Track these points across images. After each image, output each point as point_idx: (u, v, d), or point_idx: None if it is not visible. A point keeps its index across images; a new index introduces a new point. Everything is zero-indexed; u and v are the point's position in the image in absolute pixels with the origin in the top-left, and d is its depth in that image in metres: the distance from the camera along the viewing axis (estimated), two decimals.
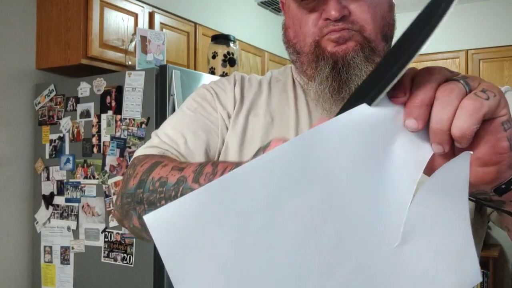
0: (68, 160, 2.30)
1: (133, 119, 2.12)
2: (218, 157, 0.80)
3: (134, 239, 2.08)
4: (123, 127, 2.14)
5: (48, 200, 2.35)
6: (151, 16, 2.78)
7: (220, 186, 0.36)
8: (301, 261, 0.37)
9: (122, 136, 2.14)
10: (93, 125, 2.23)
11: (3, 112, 2.34)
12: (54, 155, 2.35)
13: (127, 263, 2.08)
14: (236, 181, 0.36)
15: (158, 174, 0.63)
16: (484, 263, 3.61)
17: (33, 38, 2.50)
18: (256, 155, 0.47)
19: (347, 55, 0.72)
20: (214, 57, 2.59)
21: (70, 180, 2.28)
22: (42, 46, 2.48)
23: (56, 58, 2.44)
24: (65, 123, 2.32)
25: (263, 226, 0.36)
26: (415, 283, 0.41)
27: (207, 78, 2.32)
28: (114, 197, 2.14)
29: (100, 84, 2.22)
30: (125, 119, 2.14)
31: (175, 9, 3.00)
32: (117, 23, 2.53)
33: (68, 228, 2.26)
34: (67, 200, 2.28)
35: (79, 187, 2.25)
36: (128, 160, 2.12)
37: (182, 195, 0.55)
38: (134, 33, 2.42)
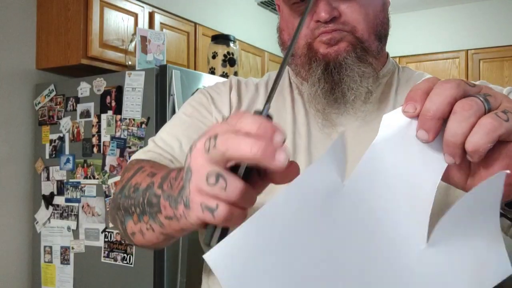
0: (68, 160, 2.30)
1: (133, 119, 2.12)
2: None
3: None
4: (123, 127, 2.14)
5: (48, 200, 2.35)
6: (151, 16, 2.78)
7: (261, 216, 0.39)
8: (337, 265, 0.40)
9: (122, 136, 2.14)
10: (93, 125, 2.23)
11: (3, 112, 2.34)
12: (54, 155, 2.35)
13: (127, 263, 2.08)
14: (274, 210, 0.39)
15: (135, 180, 0.63)
16: None
17: (33, 38, 2.50)
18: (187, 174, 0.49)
19: (338, 56, 0.73)
20: (214, 57, 2.59)
21: (70, 180, 2.28)
22: (42, 46, 2.48)
23: (56, 58, 2.44)
24: (65, 123, 2.32)
25: (302, 244, 0.40)
26: (433, 285, 0.42)
27: (207, 78, 2.32)
28: None
29: (100, 84, 2.22)
30: (125, 119, 2.14)
31: (175, 9, 3.00)
32: (117, 23, 2.53)
33: (68, 228, 2.26)
34: (67, 200, 2.28)
35: (79, 187, 2.25)
36: (128, 160, 2.12)
37: (148, 201, 0.56)
38: (134, 33, 2.42)
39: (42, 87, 2.42)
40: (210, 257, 0.38)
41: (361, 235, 0.41)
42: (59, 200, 2.31)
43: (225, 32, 3.23)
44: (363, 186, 0.41)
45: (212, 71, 2.58)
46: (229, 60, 2.58)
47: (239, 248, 0.38)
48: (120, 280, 2.10)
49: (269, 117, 0.40)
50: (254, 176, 0.42)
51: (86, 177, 2.23)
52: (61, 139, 2.33)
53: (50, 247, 2.31)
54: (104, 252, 2.15)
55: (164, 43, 2.37)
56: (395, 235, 0.41)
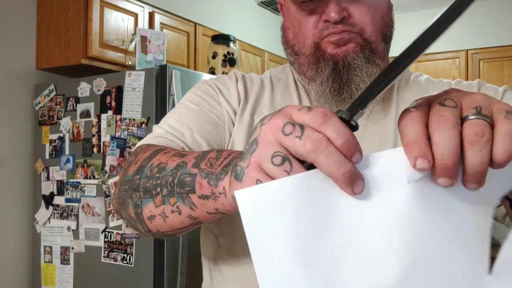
0: (68, 160, 2.30)
1: (133, 119, 2.12)
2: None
3: (134, 239, 2.08)
4: (123, 127, 2.14)
5: (48, 200, 2.35)
6: (151, 16, 2.78)
7: (309, 176, 0.38)
8: (373, 265, 0.39)
9: (122, 136, 2.14)
10: (93, 125, 2.23)
11: (3, 112, 2.34)
12: (54, 155, 2.35)
13: (127, 263, 2.08)
14: (322, 177, 0.38)
15: (158, 160, 0.60)
16: None
17: (33, 38, 2.50)
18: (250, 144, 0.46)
19: (347, 56, 0.73)
20: (214, 57, 2.59)
21: (70, 180, 2.28)
22: (42, 46, 2.48)
23: (56, 58, 2.44)
24: (65, 123, 2.32)
25: (339, 225, 0.38)
26: None
27: (207, 78, 2.32)
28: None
29: (100, 84, 2.22)
30: (125, 119, 2.14)
31: (175, 9, 3.00)
32: (117, 23, 2.53)
33: (68, 228, 2.26)
34: (67, 200, 2.28)
35: (79, 187, 2.25)
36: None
37: (179, 180, 0.54)
38: (134, 33, 2.42)
39: (42, 87, 2.42)
40: (240, 194, 0.38)
41: (412, 242, 0.39)
42: (59, 200, 2.31)
43: (225, 32, 3.23)
44: (425, 194, 0.39)
45: (212, 71, 2.58)
46: (229, 60, 2.58)
47: (273, 199, 0.37)
48: (120, 280, 2.10)
49: (355, 125, 0.39)
50: None
51: (86, 177, 2.23)
52: (61, 139, 2.33)
53: (50, 247, 2.31)
54: (104, 252, 2.15)
55: (164, 43, 2.37)
56: (454, 262, 0.40)
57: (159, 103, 2.09)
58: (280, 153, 0.38)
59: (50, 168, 2.35)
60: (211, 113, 0.78)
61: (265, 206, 0.37)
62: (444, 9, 0.38)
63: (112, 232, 2.13)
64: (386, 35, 0.77)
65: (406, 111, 0.40)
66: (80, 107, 2.28)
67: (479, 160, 0.38)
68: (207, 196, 0.51)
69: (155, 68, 2.13)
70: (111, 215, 2.14)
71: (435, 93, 0.42)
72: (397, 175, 0.38)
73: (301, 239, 0.38)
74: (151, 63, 2.29)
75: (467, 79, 4.18)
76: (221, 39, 2.65)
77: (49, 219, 2.33)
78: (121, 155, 2.14)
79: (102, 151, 2.20)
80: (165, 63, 2.34)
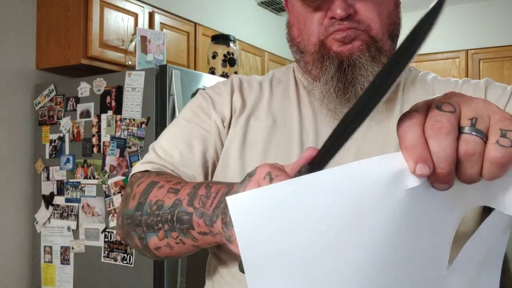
0: (68, 160, 2.30)
1: (133, 119, 2.12)
2: (216, 164, 0.79)
3: None
4: (123, 127, 2.14)
5: (48, 200, 2.35)
6: (151, 16, 2.78)
7: (303, 183, 0.37)
8: (366, 273, 0.38)
9: (122, 136, 2.14)
10: (93, 125, 2.23)
11: (3, 112, 2.34)
12: (54, 155, 2.35)
13: (127, 263, 2.08)
14: (320, 183, 0.37)
15: (155, 197, 0.64)
16: None
17: (33, 38, 2.50)
18: (243, 182, 0.48)
19: (352, 55, 0.71)
20: (214, 57, 2.59)
21: (70, 180, 2.28)
22: (42, 46, 2.48)
23: (56, 58, 2.44)
24: (65, 123, 2.32)
25: (339, 232, 0.37)
26: None
27: (207, 78, 2.32)
28: (114, 197, 2.14)
29: (100, 84, 2.22)
30: (125, 119, 2.14)
31: (175, 9, 3.00)
32: (117, 23, 2.53)
33: (68, 228, 2.26)
34: (67, 200, 2.28)
35: (79, 187, 2.25)
36: (128, 160, 2.12)
37: (178, 218, 0.59)
38: (134, 33, 2.42)
39: (42, 87, 2.42)
40: (232, 200, 0.37)
41: (394, 249, 0.39)
42: (59, 200, 2.31)
43: (225, 32, 3.23)
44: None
45: (212, 71, 2.58)
46: (229, 60, 2.58)
47: (267, 205, 0.37)
48: (120, 280, 2.10)
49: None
50: None
51: (86, 177, 2.23)
52: (61, 139, 2.33)
53: (50, 247, 2.31)
54: (104, 252, 2.15)
55: (164, 43, 2.37)
56: (418, 257, 0.41)
57: (159, 103, 2.09)
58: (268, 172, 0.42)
59: (50, 168, 2.35)
60: (200, 128, 0.79)
61: (259, 213, 0.37)
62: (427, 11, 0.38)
63: (112, 232, 2.13)
64: (393, 33, 0.76)
65: (405, 114, 0.39)
66: (80, 107, 2.28)
67: (468, 175, 0.38)
68: (206, 233, 0.55)
69: (155, 68, 2.13)
70: (111, 215, 2.14)
71: (437, 95, 0.41)
72: (394, 181, 0.37)
73: (296, 249, 0.37)
74: (151, 63, 2.29)
75: None
76: (221, 39, 2.65)
77: (49, 219, 2.33)
78: (121, 155, 2.14)
79: (102, 151, 2.20)
80: (165, 63, 2.34)
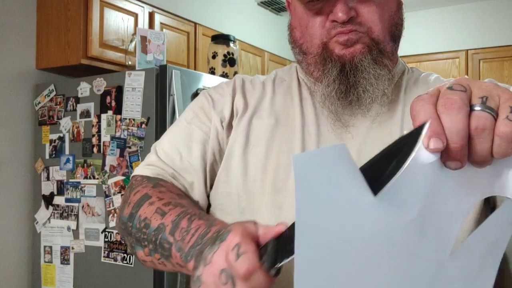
0: (68, 160, 2.30)
1: (133, 119, 2.12)
2: (215, 166, 0.80)
3: None
4: (123, 127, 2.14)
5: (48, 200, 2.35)
6: (151, 16, 2.78)
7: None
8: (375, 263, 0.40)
9: (122, 136, 2.14)
10: (93, 125, 2.23)
11: (3, 112, 2.34)
12: (54, 155, 2.35)
13: (127, 263, 2.08)
14: None
15: (144, 213, 0.68)
16: None
17: (33, 38, 2.50)
18: (213, 245, 0.51)
19: (354, 58, 0.72)
20: (214, 57, 2.59)
21: (70, 180, 2.28)
22: (42, 46, 2.48)
23: (56, 58, 2.44)
24: (65, 123, 2.32)
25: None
26: None
27: (207, 78, 2.32)
28: (114, 197, 2.14)
29: (100, 84, 2.22)
30: (125, 119, 2.14)
31: (175, 9, 3.00)
32: (117, 23, 2.53)
33: (68, 228, 2.26)
34: (67, 200, 2.28)
35: (79, 187, 2.25)
36: (128, 160, 2.12)
37: (160, 243, 0.62)
38: (134, 33, 2.42)
39: (42, 87, 2.42)
40: (298, 158, 0.38)
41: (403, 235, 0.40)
42: (59, 200, 2.31)
43: (225, 32, 3.23)
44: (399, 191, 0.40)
45: (212, 71, 2.58)
46: (229, 60, 2.58)
47: (328, 163, 0.38)
48: (120, 280, 2.10)
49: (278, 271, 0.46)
50: None
51: (86, 177, 2.23)
52: (61, 139, 2.33)
53: (50, 247, 2.31)
54: (104, 252, 2.15)
55: (164, 43, 2.37)
56: (424, 240, 0.41)
57: (159, 103, 2.09)
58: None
59: (50, 168, 2.35)
60: (200, 130, 0.80)
61: (319, 172, 0.38)
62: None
63: (112, 232, 2.13)
64: (395, 34, 0.76)
65: (417, 97, 0.41)
66: (80, 107, 2.28)
67: (479, 153, 0.39)
68: (182, 266, 0.58)
69: (155, 68, 2.13)
70: (111, 215, 2.14)
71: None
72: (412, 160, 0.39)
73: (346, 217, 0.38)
74: (151, 63, 2.29)
75: None
76: (221, 39, 2.65)
77: (49, 219, 2.33)
78: (121, 155, 2.14)
79: (102, 151, 2.20)
80: (165, 63, 2.34)
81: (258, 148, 0.76)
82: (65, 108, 2.33)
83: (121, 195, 2.13)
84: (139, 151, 2.09)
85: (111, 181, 2.15)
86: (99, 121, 2.21)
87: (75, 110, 2.30)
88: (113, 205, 2.14)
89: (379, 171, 0.41)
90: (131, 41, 2.43)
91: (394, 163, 0.40)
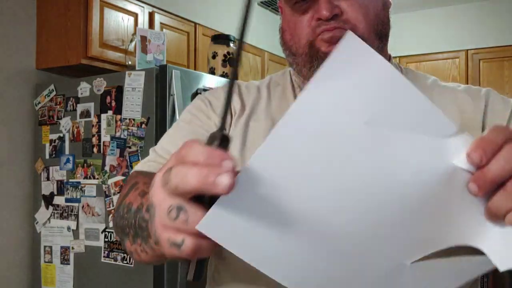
0: (68, 160, 2.30)
1: (133, 119, 2.12)
2: None
3: None
4: (123, 127, 2.14)
5: (48, 200, 2.35)
6: (151, 16, 2.78)
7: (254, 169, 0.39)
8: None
9: (122, 136, 2.14)
10: (93, 125, 2.23)
11: (3, 112, 2.34)
12: (54, 155, 2.35)
13: (127, 263, 2.08)
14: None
15: (129, 199, 0.63)
16: None
17: (33, 38, 2.50)
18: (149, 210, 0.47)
19: None
20: (214, 57, 2.59)
21: (70, 180, 2.28)
22: (42, 46, 2.48)
23: (56, 58, 2.44)
24: (65, 123, 2.32)
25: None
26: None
27: (207, 78, 2.32)
28: (114, 197, 2.14)
29: (100, 84, 2.22)
30: (125, 119, 2.14)
31: (175, 9, 3.00)
32: (117, 23, 2.53)
33: (68, 228, 2.26)
34: (67, 200, 2.28)
35: (79, 187, 2.25)
36: (128, 160, 2.12)
37: (139, 224, 0.56)
38: (134, 33, 2.42)
39: (42, 87, 2.42)
40: (202, 226, 0.38)
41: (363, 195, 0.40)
42: (59, 200, 2.31)
43: (225, 32, 3.23)
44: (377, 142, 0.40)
45: (212, 71, 2.58)
46: (229, 60, 2.58)
47: (232, 210, 0.38)
48: (120, 280, 2.10)
49: (226, 138, 0.40)
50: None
51: (86, 177, 2.23)
52: (61, 139, 2.33)
53: (50, 247, 2.31)
54: (104, 252, 2.15)
55: (164, 43, 2.37)
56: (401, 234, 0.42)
57: (159, 103, 2.09)
58: (172, 205, 0.39)
59: (50, 168, 2.35)
60: (201, 129, 0.80)
61: (229, 218, 0.38)
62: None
63: (112, 232, 2.13)
64: (381, 32, 0.76)
65: (502, 126, 0.43)
66: (80, 107, 2.28)
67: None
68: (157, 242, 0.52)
69: (155, 68, 2.13)
70: (111, 215, 2.14)
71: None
72: (445, 153, 0.40)
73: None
74: (151, 63, 2.29)
75: (467, 79, 4.18)
76: (221, 39, 2.65)
77: (49, 219, 2.33)
78: (121, 155, 2.14)
79: (102, 151, 2.20)
80: (165, 63, 2.34)
81: (255, 150, 0.76)
82: (65, 108, 2.33)
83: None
84: (139, 151, 2.09)
85: (111, 181, 2.15)
86: (99, 121, 2.21)
87: (75, 110, 2.30)
88: (113, 205, 2.14)
89: None
90: (131, 41, 2.43)
91: None
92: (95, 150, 2.22)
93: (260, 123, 0.79)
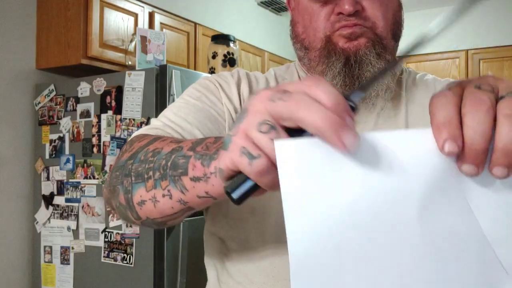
0: (68, 160, 2.30)
1: (133, 119, 2.12)
2: None
3: (134, 239, 2.08)
4: (123, 127, 2.14)
5: (48, 200, 2.35)
6: (151, 16, 2.78)
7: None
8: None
9: (122, 136, 2.14)
10: (93, 125, 2.23)
11: (3, 112, 2.34)
12: (54, 155, 2.35)
13: (127, 263, 2.08)
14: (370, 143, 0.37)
15: (154, 146, 0.59)
16: None
17: (33, 38, 2.50)
18: (217, 152, 0.45)
19: (359, 51, 0.72)
20: (214, 57, 2.59)
21: (70, 180, 2.28)
22: (42, 46, 2.48)
23: (56, 58, 2.44)
24: (65, 123, 2.32)
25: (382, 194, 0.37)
26: None
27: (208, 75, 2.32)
28: None
29: (100, 84, 2.22)
30: (125, 119, 2.14)
31: (175, 9, 3.00)
32: (117, 23, 2.53)
33: (68, 228, 2.26)
34: (67, 200, 2.28)
35: (79, 187, 2.25)
36: None
37: (173, 162, 0.53)
38: (134, 33, 2.42)
39: (42, 87, 2.42)
40: (280, 143, 0.36)
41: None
42: (59, 200, 2.31)
43: (225, 32, 3.23)
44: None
45: (212, 71, 2.58)
46: (229, 60, 2.58)
47: (314, 159, 0.36)
48: (120, 280, 2.10)
49: (354, 106, 0.38)
50: None
51: (86, 177, 2.23)
52: (61, 139, 2.33)
53: (50, 247, 2.31)
54: (104, 252, 2.15)
55: (164, 43, 2.37)
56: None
57: (159, 103, 2.09)
58: (268, 121, 0.37)
59: (50, 168, 2.35)
60: (212, 109, 0.76)
61: (303, 161, 0.36)
62: (446, 12, 0.38)
63: (112, 232, 2.13)
64: (396, 33, 0.76)
65: (439, 93, 0.38)
66: (80, 107, 2.28)
67: (507, 140, 0.35)
68: (199, 178, 0.49)
69: (155, 68, 2.13)
70: (111, 215, 2.14)
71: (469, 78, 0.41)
72: (420, 157, 0.37)
73: (335, 205, 0.37)
74: (151, 63, 2.29)
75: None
76: (221, 39, 2.65)
77: (49, 219, 2.33)
78: None
79: (102, 151, 2.20)
80: (165, 63, 2.34)
81: None
82: (65, 108, 2.33)
83: None
84: None
85: None
86: (99, 121, 2.21)
87: (75, 110, 2.30)
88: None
89: None
90: (131, 41, 2.43)
91: None
92: (95, 150, 2.22)
93: None
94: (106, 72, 2.40)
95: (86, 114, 2.26)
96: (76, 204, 2.25)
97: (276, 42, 4.07)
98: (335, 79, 0.73)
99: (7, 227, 2.34)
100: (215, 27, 3.34)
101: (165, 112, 0.78)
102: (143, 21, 2.71)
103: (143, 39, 2.30)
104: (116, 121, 2.16)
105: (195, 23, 3.16)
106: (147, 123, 2.08)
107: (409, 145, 0.37)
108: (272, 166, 0.38)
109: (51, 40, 2.45)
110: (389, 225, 0.37)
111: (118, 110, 2.16)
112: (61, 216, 2.29)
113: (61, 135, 2.33)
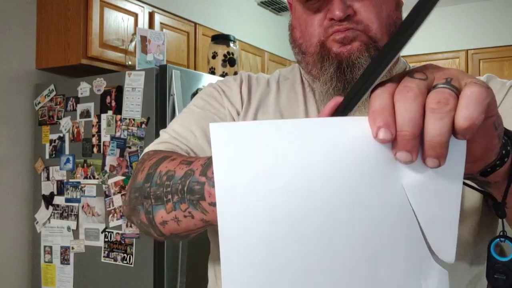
0: (68, 160, 2.30)
1: (133, 119, 2.12)
2: None
3: (134, 239, 2.08)
4: (123, 127, 2.14)
5: (48, 200, 2.35)
6: (151, 16, 2.78)
7: (288, 126, 0.38)
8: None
9: (122, 136, 2.14)
10: (93, 125, 2.23)
11: (3, 112, 2.34)
12: (54, 155, 2.35)
13: (127, 263, 2.08)
14: (305, 128, 0.38)
15: (166, 168, 0.61)
16: None
17: (33, 38, 2.50)
18: None
19: (351, 55, 0.72)
20: (214, 57, 2.59)
21: (70, 180, 2.28)
22: (42, 46, 2.48)
23: (56, 58, 2.44)
24: (65, 123, 2.32)
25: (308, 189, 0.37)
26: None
27: (207, 78, 2.32)
28: (114, 197, 2.14)
29: (100, 84, 2.22)
30: (125, 119, 2.14)
31: (175, 9, 3.00)
32: (117, 23, 2.53)
33: (68, 228, 2.26)
34: (67, 200, 2.28)
35: (79, 187, 2.25)
36: (128, 160, 2.12)
37: (188, 188, 0.56)
38: (134, 33, 2.42)
39: (42, 87, 2.42)
40: (215, 127, 0.37)
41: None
42: (59, 200, 2.31)
43: (225, 32, 3.23)
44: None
45: (212, 71, 2.58)
46: (229, 60, 2.58)
47: (249, 140, 0.37)
48: (120, 280, 2.10)
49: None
50: None
51: (86, 177, 2.23)
52: (61, 139, 2.33)
53: (50, 247, 2.31)
54: (104, 252, 2.15)
55: (164, 43, 2.37)
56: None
57: (159, 103, 2.09)
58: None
59: (50, 168, 2.35)
60: (215, 116, 0.79)
61: (239, 145, 0.37)
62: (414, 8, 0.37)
63: (112, 232, 2.13)
64: None
65: (379, 84, 0.39)
66: (80, 107, 2.28)
67: (438, 130, 0.36)
68: (215, 204, 0.51)
69: (155, 68, 2.13)
70: (111, 215, 2.14)
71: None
72: (357, 144, 0.37)
73: (269, 192, 0.36)
74: (151, 63, 2.29)
75: None
76: (221, 39, 2.65)
77: (49, 219, 2.33)
78: (121, 155, 2.14)
79: (102, 151, 2.20)
80: (165, 63, 2.34)
81: None
82: (65, 108, 2.33)
83: (121, 195, 2.13)
84: (139, 151, 2.09)
85: (111, 181, 2.15)
86: (99, 121, 2.21)
87: (75, 110, 2.30)
88: (113, 205, 2.14)
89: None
90: (131, 41, 2.43)
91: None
92: (95, 150, 2.22)
93: (268, 116, 0.80)
94: (106, 72, 2.40)
95: (86, 114, 2.26)
96: (76, 204, 2.25)
97: (276, 42, 4.07)
98: (327, 83, 0.74)
99: (7, 227, 2.34)
100: (215, 27, 3.34)
101: (172, 124, 0.82)
102: (143, 21, 2.71)
103: (143, 39, 2.30)
104: (116, 121, 2.16)
105: (195, 23, 3.16)
106: (147, 123, 2.08)
107: (348, 132, 0.38)
108: None
109: (51, 40, 2.45)
110: (322, 210, 0.37)
111: (118, 110, 2.16)
112: (61, 216, 2.29)
113: (61, 135, 2.34)
